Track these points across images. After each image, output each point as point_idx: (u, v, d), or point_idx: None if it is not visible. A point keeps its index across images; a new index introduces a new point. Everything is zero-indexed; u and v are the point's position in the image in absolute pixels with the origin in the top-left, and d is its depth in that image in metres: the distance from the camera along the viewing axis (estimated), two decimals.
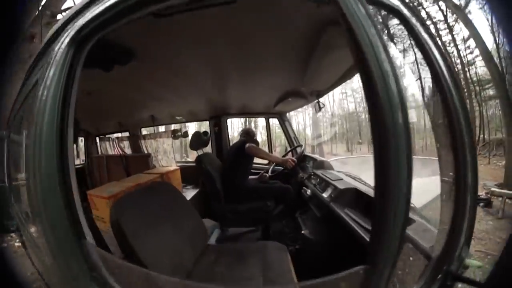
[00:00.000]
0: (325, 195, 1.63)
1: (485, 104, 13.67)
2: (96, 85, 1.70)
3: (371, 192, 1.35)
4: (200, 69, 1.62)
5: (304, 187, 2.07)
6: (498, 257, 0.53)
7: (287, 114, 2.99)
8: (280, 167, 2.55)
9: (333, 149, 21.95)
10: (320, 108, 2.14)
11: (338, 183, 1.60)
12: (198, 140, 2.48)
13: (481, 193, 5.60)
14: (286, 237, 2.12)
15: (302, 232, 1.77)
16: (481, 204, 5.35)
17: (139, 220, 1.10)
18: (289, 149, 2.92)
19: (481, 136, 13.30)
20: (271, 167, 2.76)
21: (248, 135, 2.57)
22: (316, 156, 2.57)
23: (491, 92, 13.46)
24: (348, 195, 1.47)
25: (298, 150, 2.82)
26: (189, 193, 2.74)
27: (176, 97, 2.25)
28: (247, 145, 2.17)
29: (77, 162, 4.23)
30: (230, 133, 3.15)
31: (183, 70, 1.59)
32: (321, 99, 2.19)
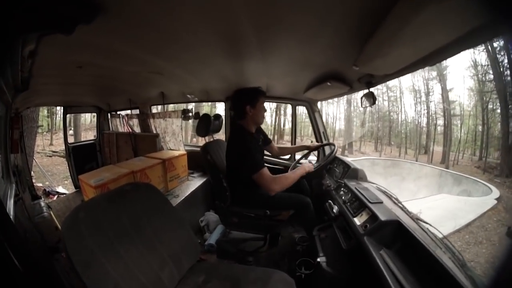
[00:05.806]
0: (357, 221, 1.25)
1: None
2: (84, 57, 1.47)
3: (416, 230, 1.05)
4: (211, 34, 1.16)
5: (330, 200, 1.58)
6: None
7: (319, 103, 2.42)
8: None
9: (361, 147, 20.84)
10: (374, 101, 1.47)
11: (377, 209, 1.20)
12: (207, 124, 2.05)
13: None
14: (297, 253, 1.71)
15: (318, 260, 1.38)
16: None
17: (97, 243, 0.89)
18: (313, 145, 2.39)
19: None
20: (293, 164, 2.29)
21: (243, 111, 1.66)
22: (347, 159, 2.01)
23: None
24: (389, 230, 1.11)
25: (327, 149, 2.28)
26: (196, 182, 2.49)
27: (184, 71, 1.82)
28: (255, 175, 1.50)
29: (91, 137, 4.24)
30: None
31: (184, 33, 1.14)
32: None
